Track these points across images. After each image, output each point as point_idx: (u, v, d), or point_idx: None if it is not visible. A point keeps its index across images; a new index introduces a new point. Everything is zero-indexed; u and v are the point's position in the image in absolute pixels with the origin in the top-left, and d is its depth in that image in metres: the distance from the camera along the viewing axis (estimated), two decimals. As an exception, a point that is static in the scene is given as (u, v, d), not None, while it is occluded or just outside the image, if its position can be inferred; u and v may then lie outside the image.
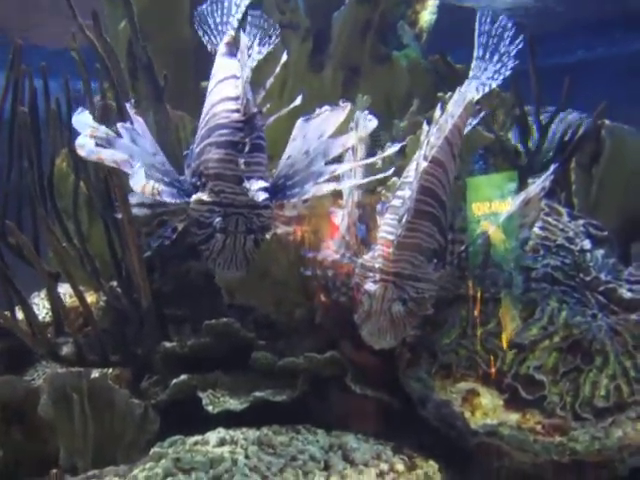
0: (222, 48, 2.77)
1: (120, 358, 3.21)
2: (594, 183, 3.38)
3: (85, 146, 2.13)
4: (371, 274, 2.49)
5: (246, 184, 2.29)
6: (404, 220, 2.36)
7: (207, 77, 3.55)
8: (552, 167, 2.50)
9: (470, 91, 2.62)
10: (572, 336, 2.51)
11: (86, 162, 3.19)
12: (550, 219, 2.83)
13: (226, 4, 2.79)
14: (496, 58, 2.76)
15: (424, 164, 2.38)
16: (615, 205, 3.44)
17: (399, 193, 2.54)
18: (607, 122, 3.47)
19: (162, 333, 3.16)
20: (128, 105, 2.38)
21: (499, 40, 2.70)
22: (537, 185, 2.48)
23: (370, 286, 2.46)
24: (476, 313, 2.62)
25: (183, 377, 2.91)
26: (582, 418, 2.43)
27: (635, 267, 2.80)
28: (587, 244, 2.77)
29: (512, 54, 2.68)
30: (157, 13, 3.30)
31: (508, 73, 2.73)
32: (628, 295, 2.63)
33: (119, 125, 2.33)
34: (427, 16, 3.88)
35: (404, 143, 2.60)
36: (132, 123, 2.35)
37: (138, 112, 2.40)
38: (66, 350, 3.38)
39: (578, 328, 2.52)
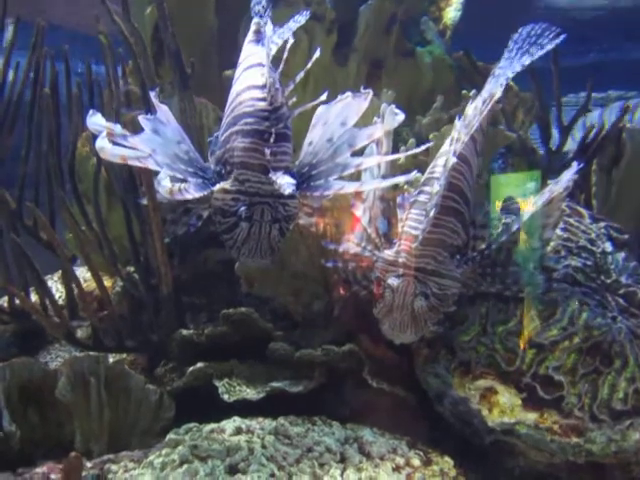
0: (250, 35, 2.77)
1: (136, 344, 3.23)
2: (614, 186, 3.38)
3: (105, 148, 2.13)
4: (394, 268, 2.50)
5: (272, 176, 2.29)
6: (430, 215, 2.36)
7: (230, 66, 3.60)
8: (575, 166, 2.51)
9: (495, 88, 2.61)
10: (592, 338, 2.51)
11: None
12: (572, 220, 2.83)
13: None
14: (523, 52, 2.76)
15: (453, 160, 2.38)
16: (634, 208, 3.44)
17: (425, 188, 2.54)
18: (628, 125, 3.47)
19: (179, 320, 3.17)
20: (153, 93, 2.38)
21: (534, 39, 2.70)
22: (560, 185, 2.49)
23: (393, 280, 2.47)
24: (497, 311, 2.62)
25: (200, 365, 2.92)
26: (599, 420, 2.43)
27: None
28: (609, 247, 2.77)
29: (541, 49, 2.69)
30: (182, 0, 3.28)
31: (528, 62, 2.73)
32: (649, 299, 2.64)
33: (140, 117, 2.34)
34: (451, 13, 3.88)
35: (431, 144, 2.59)
36: (155, 111, 2.36)
37: (162, 99, 2.41)
38: (80, 334, 3.43)
39: (598, 330, 2.52)
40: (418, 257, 2.45)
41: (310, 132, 2.52)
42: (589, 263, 2.70)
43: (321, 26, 3.46)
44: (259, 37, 2.74)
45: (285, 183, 2.21)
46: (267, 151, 2.35)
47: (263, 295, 3.08)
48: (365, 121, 2.52)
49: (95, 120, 2.19)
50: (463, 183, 2.55)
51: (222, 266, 3.32)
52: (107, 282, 3.65)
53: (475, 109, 2.48)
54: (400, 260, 2.48)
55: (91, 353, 2.82)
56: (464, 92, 3.28)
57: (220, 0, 3.60)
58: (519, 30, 2.73)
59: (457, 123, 2.45)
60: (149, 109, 2.91)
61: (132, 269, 3.36)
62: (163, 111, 2.37)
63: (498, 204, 2.89)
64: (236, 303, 3.16)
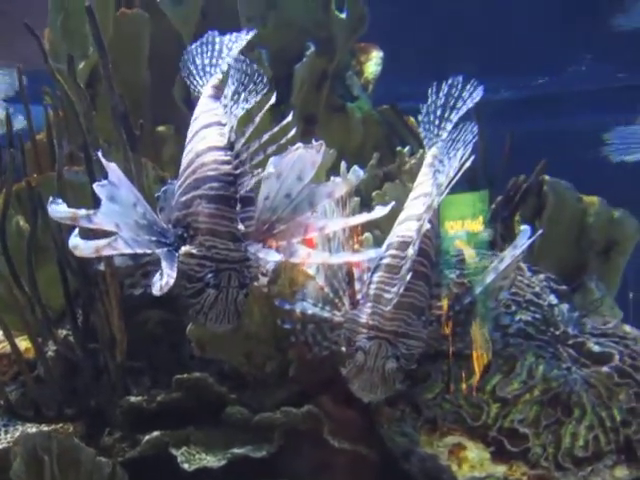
0: (208, 90, 2.74)
1: (75, 412, 3.09)
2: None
3: (79, 247, 2.10)
4: (365, 330, 2.53)
5: (255, 251, 2.29)
6: (404, 280, 2.41)
7: (164, 121, 3.55)
8: (528, 230, 2.64)
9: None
10: (551, 389, 2.65)
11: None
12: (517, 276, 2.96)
13: (217, 46, 2.77)
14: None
15: (428, 226, 2.45)
16: (556, 257, 3.64)
17: (394, 252, 2.59)
18: (547, 177, 3.69)
19: (122, 386, 3.06)
20: (100, 152, 2.32)
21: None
22: (517, 250, 2.62)
23: (364, 342, 2.50)
24: (458, 368, 2.70)
25: (156, 433, 2.81)
26: (564, 468, 2.56)
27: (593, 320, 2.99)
28: (553, 299, 2.93)
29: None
30: (115, 52, 3.19)
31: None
32: (597, 348, 2.80)
33: (94, 186, 2.26)
34: (372, 67, 3.99)
35: (393, 204, 2.63)
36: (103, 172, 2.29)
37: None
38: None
39: (556, 381, 2.66)
40: (391, 320, 2.49)
41: (264, 185, 2.43)
42: (538, 316, 2.84)
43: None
44: (217, 93, 2.71)
45: (271, 259, 2.23)
46: (235, 218, 2.34)
47: (215, 358, 3.02)
48: (318, 175, 2.52)
49: (58, 209, 2.13)
50: (429, 247, 2.62)
51: (163, 327, 3.24)
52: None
53: (446, 176, 2.55)
54: (372, 323, 2.51)
55: (43, 429, 2.67)
56: (399, 149, 3.39)
57: (153, 54, 3.54)
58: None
59: (429, 189, 2.53)
60: (91, 170, 2.85)
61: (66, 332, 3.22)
62: (113, 171, 2.29)
63: (448, 224, 2.96)
64: (180, 366, 3.10)
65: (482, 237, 3.07)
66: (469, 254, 2.93)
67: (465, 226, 3.01)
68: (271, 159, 2.47)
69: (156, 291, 2.17)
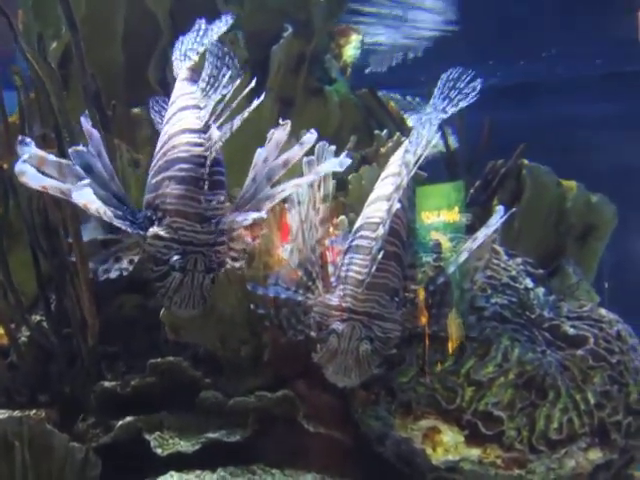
0: (184, 73, 2.71)
1: (48, 398, 3.05)
2: (516, 220, 3.56)
3: (27, 173, 2.05)
4: (337, 313, 2.51)
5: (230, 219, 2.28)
6: (375, 260, 2.39)
7: (139, 103, 3.49)
8: (501, 210, 2.63)
9: (431, 134, 2.68)
10: (526, 372, 2.64)
11: (15, 188, 3.04)
12: (492, 258, 2.95)
13: (201, 32, 2.74)
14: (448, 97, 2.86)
15: (397, 206, 2.43)
16: (534, 240, 3.64)
17: (365, 233, 2.57)
18: (526, 162, 3.67)
19: (96, 371, 3.02)
20: (83, 119, 2.27)
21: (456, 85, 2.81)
22: (490, 229, 2.60)
23: (337, 325, 2.48)
24: (433, 351, 2.68)
25: (129, 419, 2.79)
26: (538, 451, 2.56)
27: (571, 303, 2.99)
28: (529, 282, 2.92)
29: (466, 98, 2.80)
30: (88, 32, 3.14)
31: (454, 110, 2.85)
32: (572, 331, 2.79)
33: (71, 150, 2.24)
34: (351, 51, 3.96)
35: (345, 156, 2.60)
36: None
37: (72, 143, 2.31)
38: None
39: (531, 364, 2.65)
40: (363, 302, 2.47)
41: (247, 179, 2.49)
42: (514, 300, 2.83)
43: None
44: (194, 76, 2.67)
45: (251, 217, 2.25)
46: (203, 199, 2.31)
47: (189, 342, 2.99)
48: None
49: (28, 149, 2.09)
50: (400, 227, 2.61)
51: (139, 311, 3.21)
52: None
53: (414, 154, 2.53)
54: (345, 305, 2.49)
55: (14, 414, 2.63)
56: (377, 132, 3.36)
57: (128, 34, 3.49)
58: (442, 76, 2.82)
59: (398, 169, 2.51)
60: (63, 153, 2.80)
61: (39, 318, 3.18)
62: (94, 140, 2.27)
63: (425, 214, 2.95)
64: (155, 350, 3.07)
65: (460, 222, 3.05)
66: (445, 246, 2.91)
67: (441, 216, 3.00)
68: (257, 151, 2.47)
69: (76, 198, 2.07)
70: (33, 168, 2.07)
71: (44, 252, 2.97)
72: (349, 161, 2.41)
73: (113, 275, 2.52)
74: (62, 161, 2.16)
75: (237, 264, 2.88)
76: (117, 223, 2.22)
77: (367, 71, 4.99)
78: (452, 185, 3.24)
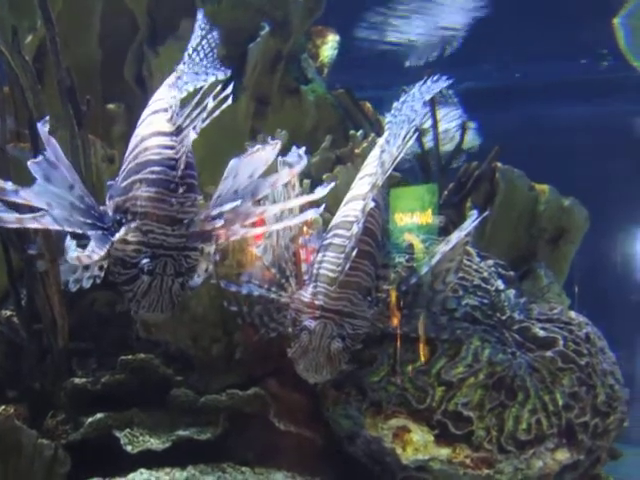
0: (170, 79, 2.67)
1: (17, 394, 3.03)
2: (488, 222, 3.59)
3: (2, 217, 2.09)
4: (310, 310, 2.52)
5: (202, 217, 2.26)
6: (349, 259, 2.41)
7: (115, 99, 3.48)
8: (475, 214, 2.66)
9: (407, 133, 2.69)
10: (496, 373, 2.66)
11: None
12: (464, 259, 2.96)
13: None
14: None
15: (372, 204, 2.44)
16: (506, 243, 3.67)
17: (339, 231, 2.58)
18: (499, 165, 3.70)
19: (67, 368, 3.00)
20: (40, 125, 2.25)
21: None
22: (463, 231, 2.63)
23: (310, 322, 2.49)
24: (405, 351, 2.70)
25: (99, 415, 2.78)
26: (507, 451, 2.58)
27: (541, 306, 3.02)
28: (500, 284, 2.94)
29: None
30: (64, 27, 3.12)
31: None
32: (542, 333, 2.81)
33: (30, 163, 2.21)
34: (328, 51, 3.97)
35: (333, 184, 2.61)
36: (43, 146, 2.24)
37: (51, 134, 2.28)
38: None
39: (501, 365, 2.67)
40: (336, 300, 2.49)
41: (220, 185, 2.44)
42: (485, 301, 2.85)
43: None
44: (177, 82, 2.65)
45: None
46: (174, 201, 2.30)
47: (161, 340, 2.98)
48: (271, 166, 2.51)
49: None
50: (375, 226, 2.62)
51: (111, 309, 3.19)
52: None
53: (390, 154, 2.54)
54: (317, 302, 2.51)
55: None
56: (352, 132, 3.37)
57: (105, 30, 3.47)
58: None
59: (373, 167, 2.52)
60: (37, 148, 2.77)
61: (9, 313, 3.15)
62: (52, 147, 2.24)
63: (398, 216, 2.97)
64: (127, 347, 3.05)
65: (433, 224, 3.08)
66: (418, 247, 2.93)
67: (414, 218, 3.02)
68: (231, 161, 2.44)
69: (70, 260, 2.18)
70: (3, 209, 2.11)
71: (15, 247, 2.95)
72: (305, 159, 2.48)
73: (86, 284, 2.52)
74: (19, 188, 2.13)
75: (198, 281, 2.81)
76: (99, 250, 2.22)
77: (406, 65, 4.99)
78: (425, 187, 3.27)
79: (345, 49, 4.20)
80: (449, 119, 4.01)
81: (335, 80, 4.05)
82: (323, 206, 2.37)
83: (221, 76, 2.49)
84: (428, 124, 3.93)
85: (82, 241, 2.43)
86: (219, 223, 2.28)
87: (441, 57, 4.99)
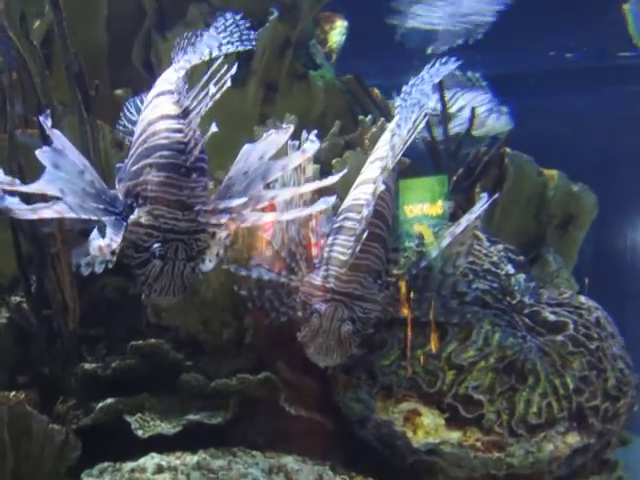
0: (180, 63, 2.66)
1: (27, 379, 3.04)
2: (497, 207, 3.58)
3: (13, 210, 2.06)
4: (320, 293, 2.52)
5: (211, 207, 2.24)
6: (359, 242, 2.40)
7: (122, 84, 3.47)
8: (485, 197, 2.65)
9: (418, 116, 2.68)
10: (506, 357, 2.66)
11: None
12: (474, 244, 2.96)
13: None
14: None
15: (382, 187, 2.44)
16: (515, 228, 3.67)
17: (350, 215, 2.57)
18: (509, 150, 3.69)
19: (77, 353, 3.01)
20: (42, 118, 2.24)
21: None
22: (473, 215, 2.62)
23: (320, 305, 2.49)
24: (415, 335, 2.69)
25: (110, 400, 2.79)
26: (517, 434, 2.58)
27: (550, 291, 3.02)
28: (510, 269, 2.94)
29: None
30: (72, 12, 3.11)
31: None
32: (552, 317, 2.82)
33: (38, 153, 2.20)
34: (336, 37, 3.95)
35: (344, 172, 2.60)
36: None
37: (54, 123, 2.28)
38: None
39: (511, 349, 2.67)
40: (346, 283, 2.49)
41: (232, 169, 2.43)
42: (495, 285, 2.85)
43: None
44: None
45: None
46: (184, 186, 2.30)
47: (171, 325, 2.99)
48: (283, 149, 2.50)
49: None
50: (385, 210, 2.62)
51: (121, 294, 3.19)
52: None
53: (401, 138, 2.53)
54: (328, 285, 2.51)
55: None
56: (361, 117, 3.36)
57: (112, 15, 3.47)
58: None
59: (384, 151, 2.51)
60: (44, 134, 2.77)
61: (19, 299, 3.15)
62: (57, 137, 2.24)
63: (408, 208, 2.96)
64: (137, 332, 3.06)
65: (443, 214, 3.07)
66: (428, 235, 2.92)
67: (424, 210, 3.01)
68: (245, 146, 2.43)
69: (93, 250, 2.16)
70: (18, 202, 2.07)
71: (25, 232, 2.96)
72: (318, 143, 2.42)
73: (98, 269, 2.50)
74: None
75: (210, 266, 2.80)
76: (116, 237, 2.21)
77: (429, 51, 4.97)
78: (436, 179, 3.25)
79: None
80: (478, 103, 4.00)
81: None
82: (335, 196, 2.35)
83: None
84: (455, 108, 3.95)
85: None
86: (233, 203, 2.27)
87: (466, 44, 4.96)
